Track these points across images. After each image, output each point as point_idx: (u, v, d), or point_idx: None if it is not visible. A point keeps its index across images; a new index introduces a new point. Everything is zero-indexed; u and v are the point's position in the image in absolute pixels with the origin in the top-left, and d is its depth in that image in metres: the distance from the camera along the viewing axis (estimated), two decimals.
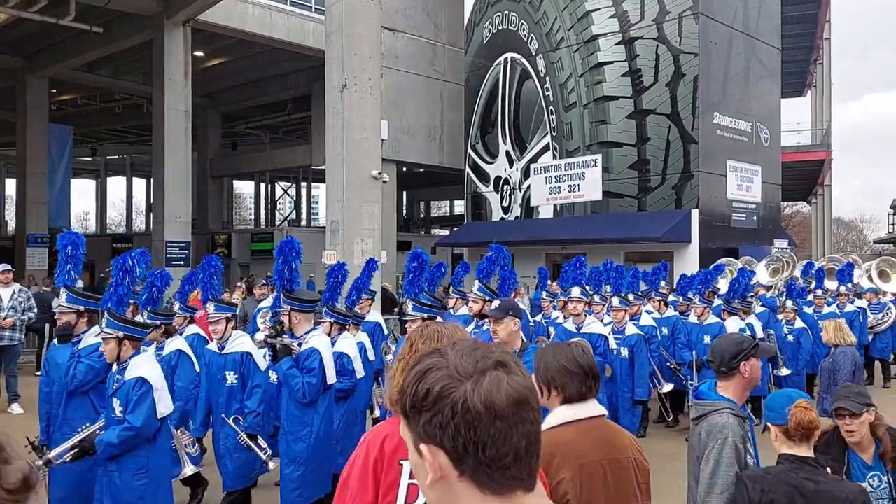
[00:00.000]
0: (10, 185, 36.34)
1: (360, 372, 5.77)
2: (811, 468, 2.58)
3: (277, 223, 37.78)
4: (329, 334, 5.74)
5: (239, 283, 12.83)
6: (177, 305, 6.52)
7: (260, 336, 4.98)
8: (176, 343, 5.69)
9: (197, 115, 21.34)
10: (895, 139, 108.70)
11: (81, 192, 44.71)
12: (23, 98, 22.46)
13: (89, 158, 37.70)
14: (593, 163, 17.87)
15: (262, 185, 38.43)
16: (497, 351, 1.03)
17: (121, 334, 4.24)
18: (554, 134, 18.89)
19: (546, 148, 19.13)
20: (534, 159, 19.40)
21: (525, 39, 19.62)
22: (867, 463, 3.25)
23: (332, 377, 4.94)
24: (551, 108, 18.94)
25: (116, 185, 45.45)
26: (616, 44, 17.50)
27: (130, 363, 4.22)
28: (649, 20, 16.94)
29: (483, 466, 0.95)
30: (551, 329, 8.40)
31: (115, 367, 4.32)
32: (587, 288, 8.14)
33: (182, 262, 18.87)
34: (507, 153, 20.20)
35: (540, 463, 2.12)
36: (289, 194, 41.94)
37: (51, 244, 23.42)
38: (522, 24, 19.69)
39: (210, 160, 28.41)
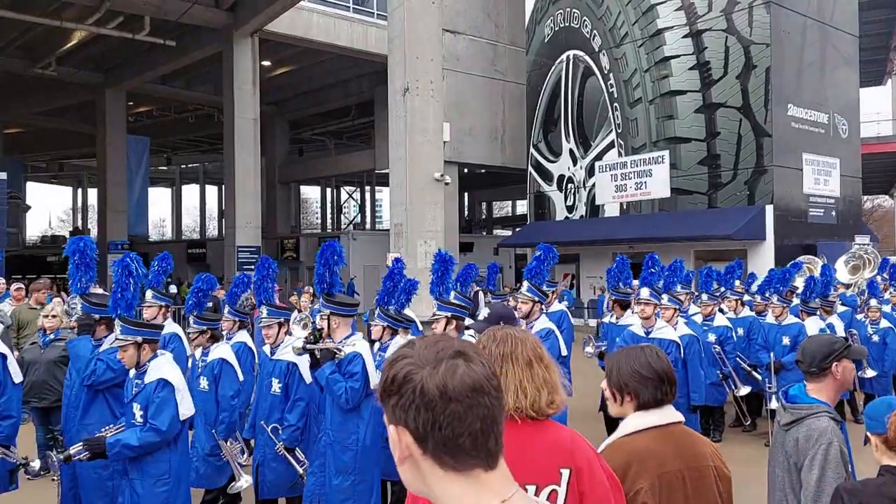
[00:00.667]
0: (92, 194, 38.14)
1: None
2: None
3: (343, 227, 38.40)
4: (381, 339, 5.59)
5: (307, 287, 13.06)
6: (227, 309, 6.29)
7: (298, 343, 4.77)
8: (220, 350, 5.45)
9: (264, 122, 21.89)
10: None
11: (158, 200, 46.52)
12: (102, 111, 23.53)
13: (165, 168, 39.22)
14: (661, 159, 17.46)
15: (328, 190, 39.15)
16: (459, 342, 1.13)
17: (139, 339, 4.09)
18: (619, 131, 18.55)
19: (611, 145, 18.80)
20: (598, 157, 19.10)
21: (588, 36, 19.34)
22: None
23: (376, 382, 4.82)
24: (615, 104, 18.60)
25: (190, 192, 47.12)
26: (683, 37, 17.06)
27: (150, 366, 4.08)
28: (717, 11, 16.45)
29: (441, 445, 1.04)
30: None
31: (132, 373, 4.17)
32: (657, 288, 7.86)
33: (252, 267, 19.37)
34: (571, 151, 19.95)
35: (615, 472, 2.08)
36: (353, 198, 42.58)
37: (131, 251, 24.45)
38: (585, 20, 19.42)
39: (278, 167, 29.11)
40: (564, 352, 6.30)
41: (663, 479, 2.17)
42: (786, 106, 16.04)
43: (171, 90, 25.09)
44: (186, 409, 4.12)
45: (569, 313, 7.59)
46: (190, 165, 41.52)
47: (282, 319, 5.27)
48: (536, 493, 1.83)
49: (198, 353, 5.58)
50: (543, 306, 6.94)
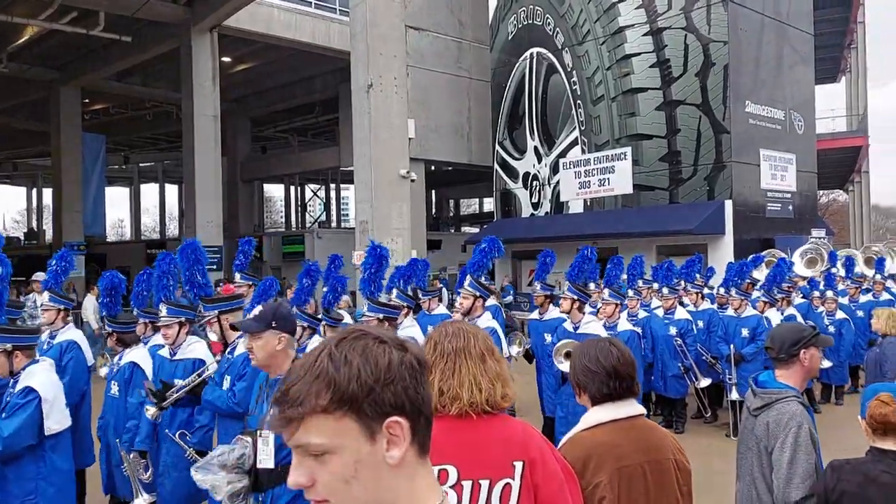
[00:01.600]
0: (47, 194, 37.18)
1: None
2: (892, 461, 2.56)
3: (308, 225, 38.06)
4: (299, 339, 5.25)
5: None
6: (135, 311, 5.78)
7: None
8: (133, 354, 5.04)
9: (225, 120, 21.56)
10: None
11: (115, 199, 45.54)
12: (56, 108, 22.90)
13: (122, 166, 38.36)
14: (623, 156, 17.65)
15: (292, 188, 38.75)
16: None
17: (9, 346, 3.77)
18: (582, 128, 18.70)
19: (574, 142, 18.95)
20: (562, 154, 19.23)
21: (550, 33, 19.45)
22: None
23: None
24: (579, 102, 18.75)
25: (149, 192, 46.22)
26: (643, 35, 17.26)
27: (23, 373, 3.77)
28: (677, 9, 16.67)
29: (427, 424, 1.03)
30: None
31: (11, 382, 3.82)
32: (615, 288, 7.87)
33: (215, 267, 19.07)
34: (536, 149, 20.06)
35: (574, 465, 2.09)
36: (318, 196, 42.24)
37: (87, 252, 23.89)
38: (548, 18, 19.52)
39: (240, 164, 28.71)
40: (507, 352, 6.30)
41: (623, 472, 2.18)
42: (744, 103, 16.34)
43: (127, 87, 24.53)
44: (55, 422, 3.76)
45: (501, 308, 7.58)
46: (148, 164, 40.72)
47: (182, 318, 4.85)
48: (490, 487, 1.83)
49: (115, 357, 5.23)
50: (490, 301, 6.91)
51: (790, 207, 17.71)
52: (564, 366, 5.75)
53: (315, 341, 5.44)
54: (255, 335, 3.09)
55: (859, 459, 2.65)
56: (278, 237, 26.78)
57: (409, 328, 6.31)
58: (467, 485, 1.83)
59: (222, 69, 20.14)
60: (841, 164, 28.89)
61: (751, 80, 16.64)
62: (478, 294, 5.84)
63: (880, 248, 14.09)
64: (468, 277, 5.96)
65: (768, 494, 2.76)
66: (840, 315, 9.54)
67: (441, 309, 7.88)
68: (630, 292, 8.40)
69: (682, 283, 9.26)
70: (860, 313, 9.80)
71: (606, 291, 6.94)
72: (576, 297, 6.15)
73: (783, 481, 2.67)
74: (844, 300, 9.94)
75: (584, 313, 6.31)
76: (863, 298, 10.21)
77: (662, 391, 8.35)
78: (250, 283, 7.16)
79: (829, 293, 9.67)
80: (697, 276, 10.01)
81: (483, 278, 6.97)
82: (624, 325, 6.91)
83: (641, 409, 2.35)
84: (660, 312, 8.45)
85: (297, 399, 0.98)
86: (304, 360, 1.04)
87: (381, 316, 4.73)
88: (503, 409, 1.94)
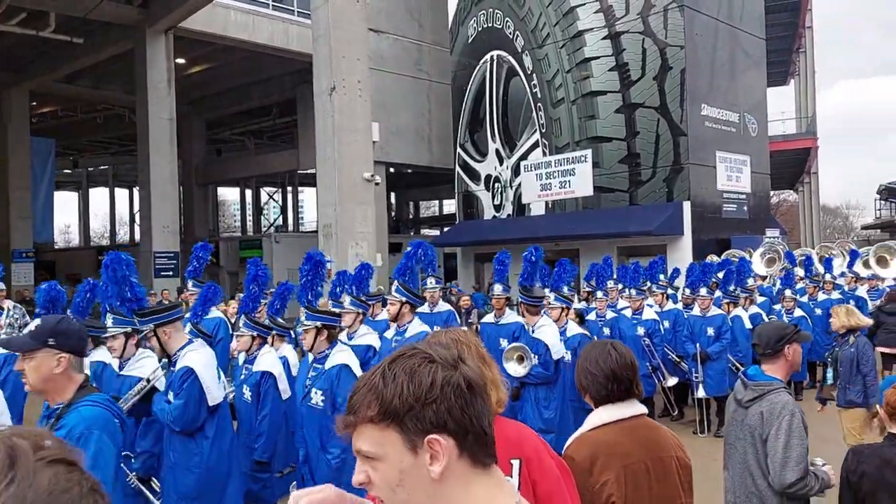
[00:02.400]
0: None
1: (285, 392, 5.15)
2: None
3: (264, 229, 37.54)
4: (248, 350, 5.24)
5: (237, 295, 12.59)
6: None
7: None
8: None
9: (180, 122, 21.09)
10: (875, 125, 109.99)
11: (63, 204, 44.19)
12: (5, 111, 22.15)
13: (70, 171, 37.29)
14: (583, 158, 17.85)
15: (248, 192, 38.17)
16: (453, 346, 1.24)
17: None
18: (543, 131, 18.86)
19: (535, 145, 19.09)
20: (524, 157, 19.36)
21: (511, 37, 19.57)
22: None
23: (215, 398, 4.16)
24: (539, 104, 18.90)
25: (98, 196, 44.98)
26: (602, 38, 17.49)
27: None
28: (634, 14, 16.94)
29: (477, 440, 1.09)
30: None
31: None
32: (562, 292, 7.65)
33: (171, 273, 18.67)
34: (497, 151, 20.15)
35: (581, 464, 2.17)
36: (275, 200, 41.69)
37: (36, 259, 23.14)
38: (507, 21, 19.64)
39: (195, 168, 28.16)
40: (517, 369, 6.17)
41: (628, 469, 2.27)
42: (700, 106, 16.69)
43: (78, 89, 23.87)
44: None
45: (456, 314, 7.45)
46: (98, 168, 39.65)
47: (129, 329, 4.55)
48: None
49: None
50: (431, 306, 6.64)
51: (745, 208, 18.16)
52: (514, 368, 5.68)
53: (267, 351, 5.26)
54: (27, 355, 2.53)
55: (877, 444, 2.91)
56: (235, 242, 26.33)
57: (365, 336, 6.14)
58: None
59: (177, 71, 19.75)
60: (791, 164, 29.77)
61: (706, 84, 17.01)
62: (405, 300, 5.66)
63: (833, 247, 14.54)
64: (395, 283, 5.85)
65: (763, 479, 2.94)
66: (798, 313, 9.80)
67: (384, 315, 7.64)
68: (599, 294, 8.48)
69: (648, 283, 9.40)
70: (818, 311, 10.08)
71: (552, 296, 6.66)
72: (563, 305, 6.31)
73: (779, 465, 2.86)
74: (804, 298, 10.21)
75: (540, 316, 6.24)
76: (821, 297, 10.51)
77: None
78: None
79: (788, 292, 9.93)
80: (661, 276, 10.18)
81: (429, 282, 6.81)
82: (573, 329, 6.74)
83: (643, 409, 2.43)
84: (628, 313, 8.56)
85: (353, 407, 1.10)
86: (366, 374, 1.15)
87: (319, 324, 4.50)
88: (497, 413, 2.01)
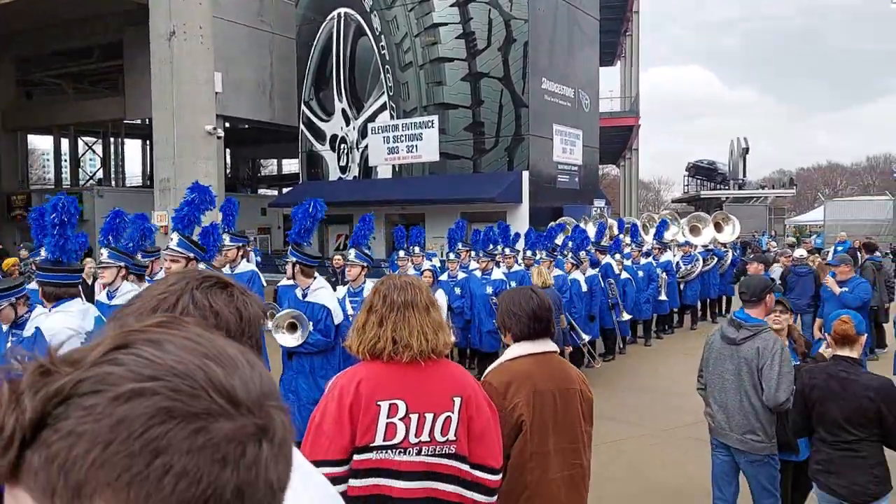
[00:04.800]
0: None
1: None
2: (847, 364, 3.46)
3: (82, 182, 34.43)
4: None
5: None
6: None
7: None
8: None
9: None
10: (678, 109, 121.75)
11: None
12: None
13: None
14: (430, 124, 18.10)
15: (64, 141, 34.70)
16: None
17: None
18: (391, 94, 18.84)
19: (383, 107, 19.04)
20: (371, 118, 19.26)
21: None
22: None
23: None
24: (387, 66, 18.83)
25: None
26: (450, 5, 17.70)
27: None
28: None
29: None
30: None
31: None
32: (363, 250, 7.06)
33: None
34: (344, 111, 19.87)
35: (498, 389, 2.42)
36: (94, 151, 38.27)
37: None
38: None
39: (2, 112, 25.15)
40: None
41: (537, 395, 2.60)
42: (540, 79, 17.47)
43: None
44: None
45: (260, 273, 6.88)
46: None
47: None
48: (434, 419, 2.17)
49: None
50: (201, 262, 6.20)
51: (577, 179, 19.37)
52: (285, 339, 4.88)
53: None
54: None
55: (825, 363, 3.63)
56: (49, 195, 23.95)
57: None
58: (414, 417, 2.14)
59: None
60: (616, 140, 32.01)
61: (546, 58, 17.81)
62: (364, 264, 5.82)
63: (653, 217, 15.93)
64: (353, 249, 5.87)
65: (757, 399, 3.71)
66: (624, 275, 10.72)
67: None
68: (451, 255, 8.77)
69: (501, 247, 9.85)
70: (641, 273, 11.11)
71: (353, 252, 6.07)
72: (364, 264, 5.90)
73: (773, 387, 3.62)
74: (629, 262, 11.17)
75: (314, 278, 5.45)
76: (643, 261, 11.54)
77: (478, 345, 8.84)
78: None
79: (618, 256, 10.81)
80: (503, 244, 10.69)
81: (225, 239, 6.36)
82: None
83: (555, 347, 2.78)
84: (478, 274, 8.92)
85: None
86: None
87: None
88: (443, 354, 2.23)
